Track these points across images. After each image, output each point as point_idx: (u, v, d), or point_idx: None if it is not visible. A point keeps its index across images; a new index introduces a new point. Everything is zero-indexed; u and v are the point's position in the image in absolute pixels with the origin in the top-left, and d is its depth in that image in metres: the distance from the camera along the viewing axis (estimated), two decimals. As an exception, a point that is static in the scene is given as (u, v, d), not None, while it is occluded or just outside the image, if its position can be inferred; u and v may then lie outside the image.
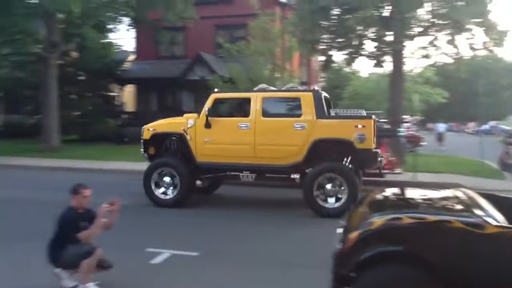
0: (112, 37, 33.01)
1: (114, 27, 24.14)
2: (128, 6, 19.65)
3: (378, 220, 3.48)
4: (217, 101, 9.09)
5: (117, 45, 28.01)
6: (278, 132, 8.68)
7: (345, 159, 8.39)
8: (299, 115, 8.58)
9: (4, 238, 6.64)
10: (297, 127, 8.50)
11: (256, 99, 8.83)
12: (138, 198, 8.99)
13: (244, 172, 8.96)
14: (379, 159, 8.60)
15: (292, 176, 8.76)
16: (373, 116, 8.62)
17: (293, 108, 8.82)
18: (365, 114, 9.39)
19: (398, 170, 11.39)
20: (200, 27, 22.95)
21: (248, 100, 8.99)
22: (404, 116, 16.70)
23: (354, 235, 3.51)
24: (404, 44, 14.24)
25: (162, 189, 9.13)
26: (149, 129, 9.62)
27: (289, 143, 8.57)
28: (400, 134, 10.93)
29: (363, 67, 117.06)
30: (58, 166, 14.82)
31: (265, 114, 8.77)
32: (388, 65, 15.08)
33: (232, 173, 9.14)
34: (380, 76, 32.35)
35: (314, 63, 29.56)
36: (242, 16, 21.34)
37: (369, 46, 14.92)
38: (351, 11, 13.56)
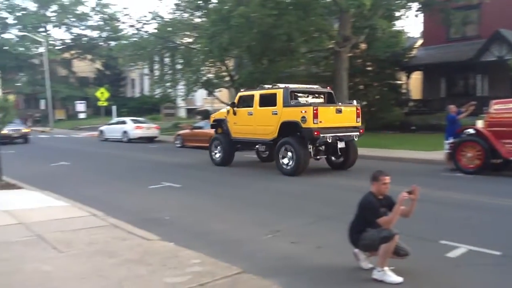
0: (399, 25, 32.61)
1: (402, 14, 23.94)
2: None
3: None
4: (241, 97, 13.69)
5: (405, 32, 27.71)
6: (265, 117, 12.64)
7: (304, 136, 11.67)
8: (275, 105, 12.26)
9: (314, 216, 7.60)
10: (273, 113, 12.31)
11: (256, 95, 12.99)
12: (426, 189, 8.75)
13: (258, 144, 13.57)
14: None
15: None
16: (314, 105, 11.62)
17: (273, 100, 12.38)
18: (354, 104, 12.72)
19: None
20: (498, 1, 20.54)
21: (253, 96, 13.10)
22: None
23: None
24: None
25: (217, 153, 14.42)
26: (212, 116, 15.42)
27: (269, 124, 12.47)
28: None
29: None
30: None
31: (260, 105, 12.82)
32: None
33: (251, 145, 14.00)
34: None
35: None
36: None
37: None
38: None
